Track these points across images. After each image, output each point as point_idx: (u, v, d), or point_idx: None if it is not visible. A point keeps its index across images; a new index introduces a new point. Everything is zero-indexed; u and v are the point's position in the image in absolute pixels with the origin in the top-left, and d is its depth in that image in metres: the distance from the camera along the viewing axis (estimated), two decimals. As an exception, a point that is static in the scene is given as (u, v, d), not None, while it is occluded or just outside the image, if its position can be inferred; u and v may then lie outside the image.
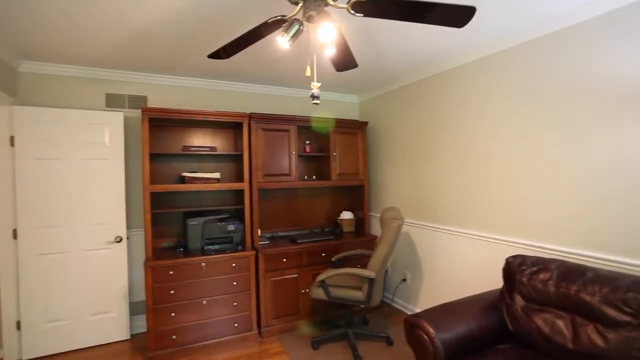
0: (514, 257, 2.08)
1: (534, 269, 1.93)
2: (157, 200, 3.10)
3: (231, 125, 3.35)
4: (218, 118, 3.03)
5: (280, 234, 3.65)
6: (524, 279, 1.93)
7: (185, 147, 3.05)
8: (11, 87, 2.81)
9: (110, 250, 2.99)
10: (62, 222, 2.87)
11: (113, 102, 3.15)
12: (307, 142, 3.63)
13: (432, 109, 3.14)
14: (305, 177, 3.63)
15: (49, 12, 2.03)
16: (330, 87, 3.78)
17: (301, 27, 1.38)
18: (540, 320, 1.78)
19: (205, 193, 3.38)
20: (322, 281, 2.68)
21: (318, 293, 2.75)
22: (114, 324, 3.03)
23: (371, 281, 2.63)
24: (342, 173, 3.60)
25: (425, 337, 1.81)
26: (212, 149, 3.14)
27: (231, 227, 3.00)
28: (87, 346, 2.95)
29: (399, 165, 3.59)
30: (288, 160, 3.32)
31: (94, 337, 2.97)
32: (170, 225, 3.25)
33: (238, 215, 3.25)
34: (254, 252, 3.00)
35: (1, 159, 2.76)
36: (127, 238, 3.09)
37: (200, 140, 3.37)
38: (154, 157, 3.08)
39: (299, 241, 3.26)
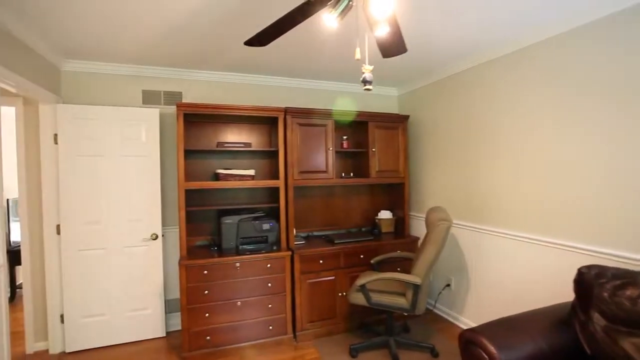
0: (589, 267, 1.79)
1: (618, 282, 1.64)
2: (191, 198, 3.05)
3: (266, 121, 3.24)
4: (253, 113, 2.93)
5: (315, 233, 3.51)
6: (605, 294, 1.64)
7: (220, 144, 2.97)
8: (55, 85, 2.86)
9: (146, 247, 2.98)
10: (102, 218, 2.89)
11: (149, 98, 3.14)
12: (345, 137, 3.45)
13: (485, 100, 2.85)
14: (342, 175, 3.46)
15: (90, 11, 2.03)
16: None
17: (351, 2, 1.21)
18: (630, 345, 1.50)
19: (240, 190, 3.30)
20: (363, 286, 2.50)
21: (357, 298, 2.57)
22: (150, 321, 3.02)
23: (416, 287, 2.42)
24: (381, 170, 3.39)
25: (486, 357, 1.58)
26: (247, 145, 3.04)
27: (266, 226, 2.89)
28: (124, 342, 2.96)
29: (443, 161, 3.32)
30: (325, 157, 3.16)
31: (131, 334, 2.98)
32: (204, 223, 3.20)
33: (273, 214, 3.14)
34: (289, 253, 2.87)
35: (46, 156, 2.81)
36: (162, 235, 3.07)
37: (235, 136, 3.29)
38: (188, 153, 3.03)
39: (336, 242, 3.10)
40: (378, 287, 2.66)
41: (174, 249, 3.20)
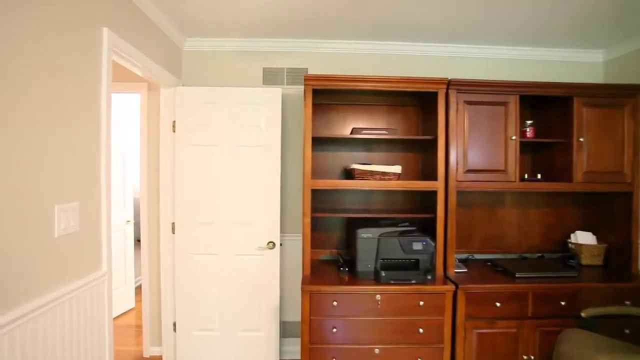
0: None
1: None
2: (315, 200, 2.41)
3: (416, 100, 2.41)
4: (403, 87, 2.12)
5: (476, 256, 2.52)
6: None
7: (356, 130, 2.25)
8: (177, 67, 2.55)
9: (261, 257, 2.45)
10: (215, 218, 2.46)
11: (270, 78, 2.61)
12: (529, 122, 2.37)
13: None
14: (525, 176, 2.38)
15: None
16: (557, 39, 2.41)
17: None
18: None
19: (374, 193, 2.54)
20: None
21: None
22: (263, 345, 2.49)
23: None
24: (591, 171, 2.21)
25: None
26: (392, 131, 2.25)
27: (417, 246, 2.05)
28: (235, 366, 2.50)
29: None
30: (503, 150, 2.16)
31: (242, 356, 2.50)
32: (329, 232, 2.53)
33: (423, 228, 2.27)
34: (451, 288, 1.98)
35: (165, 146, 2.51)
36: (281, 245, 2.51)
37: (371, 122, 2.54)
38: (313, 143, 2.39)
39: (517, 275, 2.08)
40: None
41: (293, 262, 2.62)
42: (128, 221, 3.55)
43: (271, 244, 2.42)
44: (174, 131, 2.49)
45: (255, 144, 2.44)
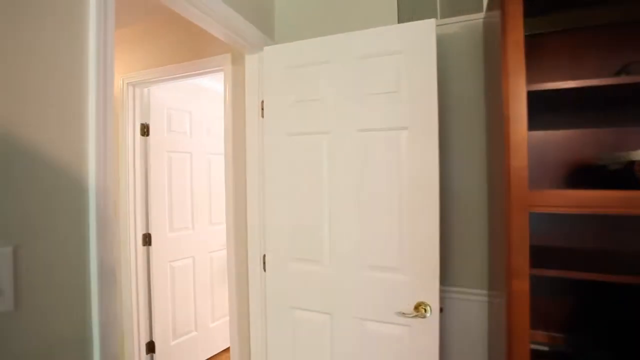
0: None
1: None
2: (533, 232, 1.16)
3: None
4: None
5: None
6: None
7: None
8: (267, 21, 1.69)
9: (404, 329, 1.34)
10: (324, 255, 1.49)
11: (410, 6, 1.50)
12: None
13: None
14: None
15: None
16: None
17: None
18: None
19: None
20: None
21: None
22: None
23: None
24: None
25: None
26: None
27: None
28: None
29: None
30: None
31: None
32: (547, 296, 1.26)
33: None
34: None
35: (252, 133, 1.68)
36: (441, 310, 1.35)
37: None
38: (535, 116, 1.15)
39: None
40: None
41: (463, 343, 1.43)
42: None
43: (424, 308, 1.30)
44: (263, 116, 1.62)
45: (391, 125, 1.36)
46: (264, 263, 1.64)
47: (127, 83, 2.19)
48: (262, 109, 1.63)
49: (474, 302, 1.35)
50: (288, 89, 1.54)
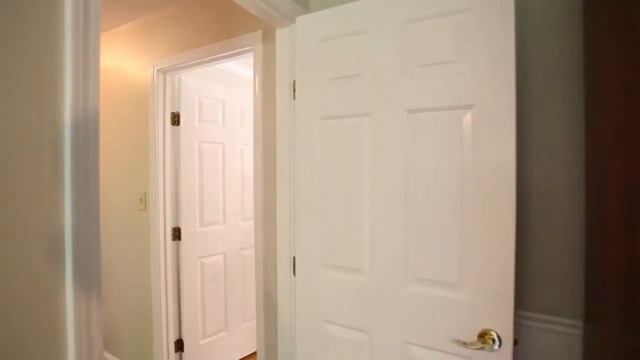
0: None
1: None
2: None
3: None
4: None
5: None
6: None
7: None
8: (298, -13, 1.46)
9: (465, 362, 1.07)
10: (364, 261, 1.24)
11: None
12: None
13: None
14: None
15: None
16: None
17: None
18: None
19: None
20: None
21: None
22: None
23: None
24: None
25: None
26: None
27: None
28: None
29: None
30: None
31: None
32: None
33: None
34: None
35: (283, 119, 1.48)
36: (515, 342, 1.04)
37: None
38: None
39: None
40: None
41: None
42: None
43: (492, 338, 1.00)
44: (294, 98, 1.41)
45: (449, 103, 1.08)
46: (294, 267, 1.43)
47: (157, 70, 2.08)
48: (294, 90, 1.41)
49: (561, 335, 1.03)
50: (322, 65, 1.30)
